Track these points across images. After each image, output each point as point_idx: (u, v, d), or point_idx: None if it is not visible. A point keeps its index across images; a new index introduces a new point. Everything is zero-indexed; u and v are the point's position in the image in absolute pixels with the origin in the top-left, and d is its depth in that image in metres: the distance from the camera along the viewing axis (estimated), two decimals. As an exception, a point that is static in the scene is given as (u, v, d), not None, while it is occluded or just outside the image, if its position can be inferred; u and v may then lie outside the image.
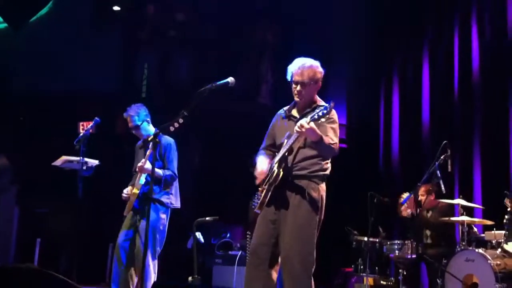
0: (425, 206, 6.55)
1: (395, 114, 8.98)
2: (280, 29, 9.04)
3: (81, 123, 5.50)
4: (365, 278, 6.71)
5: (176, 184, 5.38)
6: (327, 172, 3.95)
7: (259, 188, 3.87)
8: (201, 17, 8.87)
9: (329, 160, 3.97)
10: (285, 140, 3.85)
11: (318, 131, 3.64)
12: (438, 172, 5.42)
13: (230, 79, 4.04)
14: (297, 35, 8.70)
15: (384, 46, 9.18)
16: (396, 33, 9.04)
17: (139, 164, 5.12)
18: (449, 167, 5.49)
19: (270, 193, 3.78)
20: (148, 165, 5.05)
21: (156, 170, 5.14)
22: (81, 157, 5.24)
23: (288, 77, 3.99)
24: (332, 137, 3.79)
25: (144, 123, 5.34)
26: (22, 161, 7.58)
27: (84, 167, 5.27)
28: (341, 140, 9.35)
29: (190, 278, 6.02)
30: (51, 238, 7.20)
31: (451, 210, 6.68)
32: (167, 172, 5.22)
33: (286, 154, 3.82)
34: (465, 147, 7.74)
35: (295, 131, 3.66)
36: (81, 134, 5.27)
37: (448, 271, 5.46)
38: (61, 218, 7.19)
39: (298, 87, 3.91)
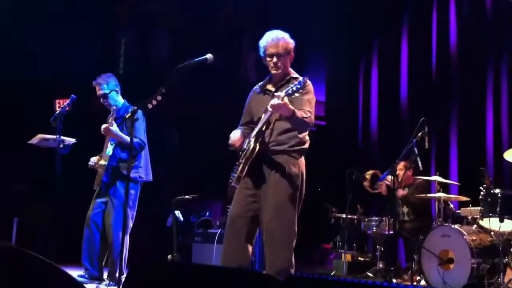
0: (402, 183, 6.61)
1: (374, 91, 9.01)
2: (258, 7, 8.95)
3: (57, 101, 5.39)
4: (343, 254, 6.79)
5: (146, 156, 5.25)
6: (306, 145, 3.93)
7: (236, 163, 3.86)
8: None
9: (307, 133, 3.95)
10: (263, 115, 3.83)
11: (290, 106, 3.62)
12: (415, 149, 5.46)
13: (209, 56, 3.99)
14: (276, 13, 8.62)
15: (364, 24, 9.17)
16: (375, 11, 9.03)
17: (104, 126, 4.98)
18: (426, 144, 5.53)
19: (246, 167, 3.76)
20: (114, 128, 4.96)
21: (125, 136, 5.04)
22: (57, 135, 5.14)
23: (261, 52, 3.95)
24: (306, 110, 3.76)
25: (112, 93, 5.23)
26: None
27: (61, 145, 5.18)
28: (320, 117, 9.43)
29: (169, 256, 6.04)
30: (28, 217, 7.12)
31: (428, 186, 6.76)
32: (135, 140, 5.00)
33: (263, 128, 3.80)
34: (442, 124, 7.82)
35: (269, 107, 3.64)
36: (57, 112, 5.17)
37: (424, 246, 5.53)
38: (39, 197, 7.12)
39: (274, 59, 3.88)
